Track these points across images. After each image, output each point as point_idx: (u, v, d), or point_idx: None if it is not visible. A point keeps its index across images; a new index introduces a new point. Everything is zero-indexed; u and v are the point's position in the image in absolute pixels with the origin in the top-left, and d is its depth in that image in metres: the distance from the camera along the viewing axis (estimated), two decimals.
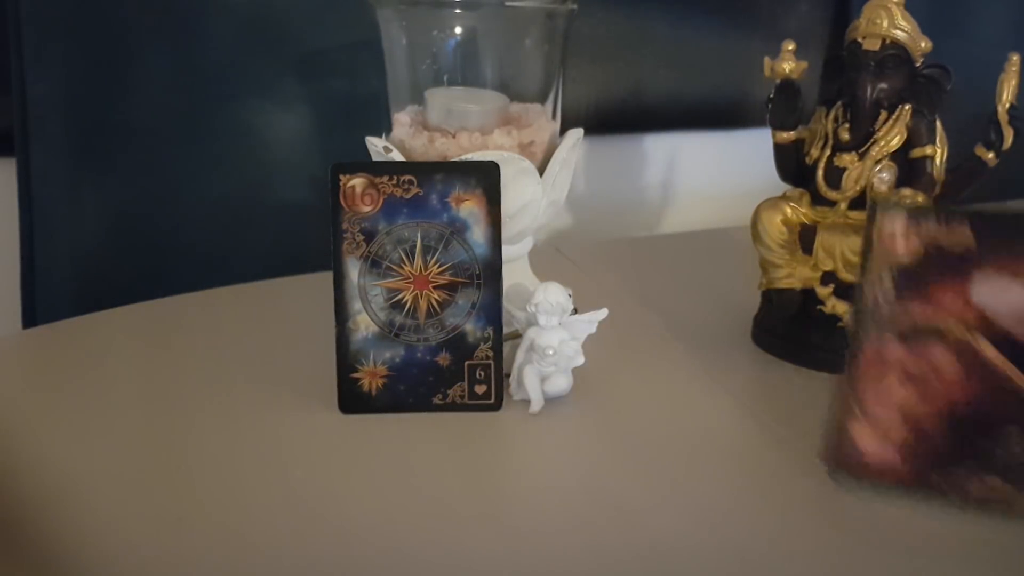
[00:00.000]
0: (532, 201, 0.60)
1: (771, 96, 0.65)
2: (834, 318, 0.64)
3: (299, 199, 0.85)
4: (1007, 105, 0.61)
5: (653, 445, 0.56)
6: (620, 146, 1.07)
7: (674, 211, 1.10)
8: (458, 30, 0.61)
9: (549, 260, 0.80)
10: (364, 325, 0.57)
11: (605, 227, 1.05)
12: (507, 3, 0.60)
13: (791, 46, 0.64)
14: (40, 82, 0.78)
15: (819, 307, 0.65)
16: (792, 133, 0.65)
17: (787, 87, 0.65)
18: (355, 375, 0.57)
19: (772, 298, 0.67)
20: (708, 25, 1.00)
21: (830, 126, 0.64)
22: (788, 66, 0.64)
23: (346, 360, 0.57)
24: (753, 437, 0.57)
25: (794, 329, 0.65)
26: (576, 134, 0.63)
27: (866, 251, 0.50)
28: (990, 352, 0.47)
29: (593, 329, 0.58)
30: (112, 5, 0.79)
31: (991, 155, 0.62)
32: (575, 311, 0.59)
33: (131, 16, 0.80)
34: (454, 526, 0.48)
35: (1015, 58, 0.61)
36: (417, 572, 0.45)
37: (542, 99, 0.63)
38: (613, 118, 0.98)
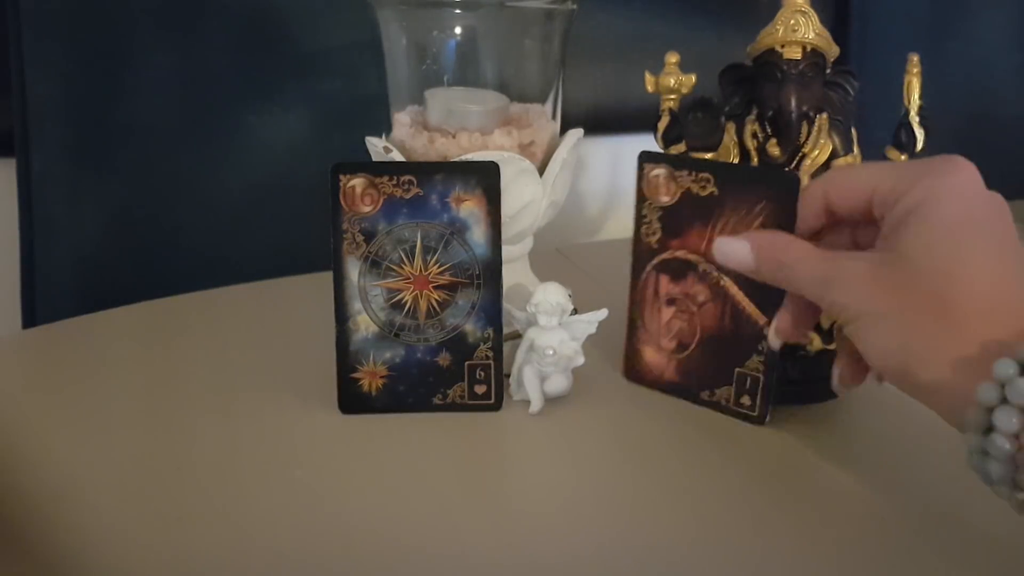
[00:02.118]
0: (532, 201, 0.60)
1: (687, 114, 0.60)
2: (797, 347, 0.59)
3: (299, 199, 0.84)
4: (917, 106, 0.59)
5: (653, 445, 0.56)
6: (620, 146, 1.07)
7: None
8: (458, 30, 0.61)
9: (549, 260, 0.80)
10: (364, 325, 0.57)
11: (605, 227, 1.05)
12: (507, 3, 0.60)
13: (674, 58, 0.60)
14: (40, 82, 0.78)
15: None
16: (712, 154, 0.60)
17: (705, 102, 0.59)
18: (355, 375, 0.57)
19: None
20: (708, 25, 1.00)
21: (751, 143, 0.58)
22: (673, 80, 0.60)
23: (346, 360, 0.57)
24: (752, 436, 0.57)
25: None
26: (576, 134, 0.63)
27: (640, 198, 0.59)
28: (730, 285, 0.56)
29: (593, 329, 0.58)
30: (112, 5, 0.79)
31: (903, 157, 0.59)
32: (575, 311, 0.59)
33: (131, 16, 0.80)
34: (454, 526, 0.48)
35: (915, 59, 0.58)
36: (417, 572, 0.45)
37: (542, 99, 0.63)
38: (613, 118, 0.98)
